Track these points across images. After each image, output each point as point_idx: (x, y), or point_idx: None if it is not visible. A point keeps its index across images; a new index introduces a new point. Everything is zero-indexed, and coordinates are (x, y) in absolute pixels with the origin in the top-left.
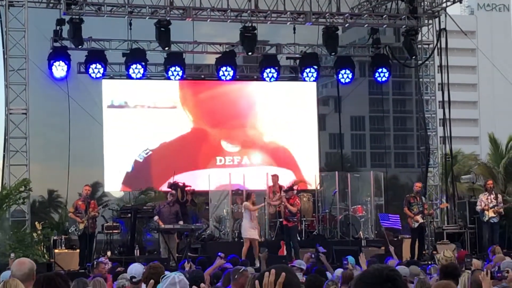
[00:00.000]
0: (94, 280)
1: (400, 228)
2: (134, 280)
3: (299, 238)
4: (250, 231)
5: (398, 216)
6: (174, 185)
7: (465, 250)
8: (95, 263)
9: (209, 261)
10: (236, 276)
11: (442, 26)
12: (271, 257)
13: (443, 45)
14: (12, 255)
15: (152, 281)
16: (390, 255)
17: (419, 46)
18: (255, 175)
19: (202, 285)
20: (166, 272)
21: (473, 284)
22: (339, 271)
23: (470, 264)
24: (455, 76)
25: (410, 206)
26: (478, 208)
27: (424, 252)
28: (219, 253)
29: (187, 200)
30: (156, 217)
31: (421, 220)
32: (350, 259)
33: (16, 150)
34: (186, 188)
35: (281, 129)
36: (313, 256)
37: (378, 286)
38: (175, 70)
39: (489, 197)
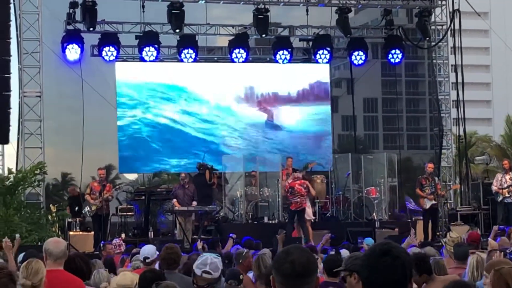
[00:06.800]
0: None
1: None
2: (147, 260)
3: (312, 220)
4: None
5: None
6: (203, 166)
7: (479, 231)
8: (101, 245)
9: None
10: (240, 260)
11: (456, 7)
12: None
13: (457, 26)
14: (17, 235)
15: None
16: (405, 236)
17: (432, 27)
18: (268, 157)
19: None
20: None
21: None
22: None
23: (486, 244)
24: (468, 57)
25: (422, 188)
26: (493, 188)
27: (437, 233)
28: (231, 234)
29: (213, 183)
30: (174, 200)
31: (433, 201)
32: (368, 240)
33: (31, 132)
34: (214, 171)
35: (294, 111)
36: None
37: (379, 264)
38: (188, 53)
39: (504, 177)
